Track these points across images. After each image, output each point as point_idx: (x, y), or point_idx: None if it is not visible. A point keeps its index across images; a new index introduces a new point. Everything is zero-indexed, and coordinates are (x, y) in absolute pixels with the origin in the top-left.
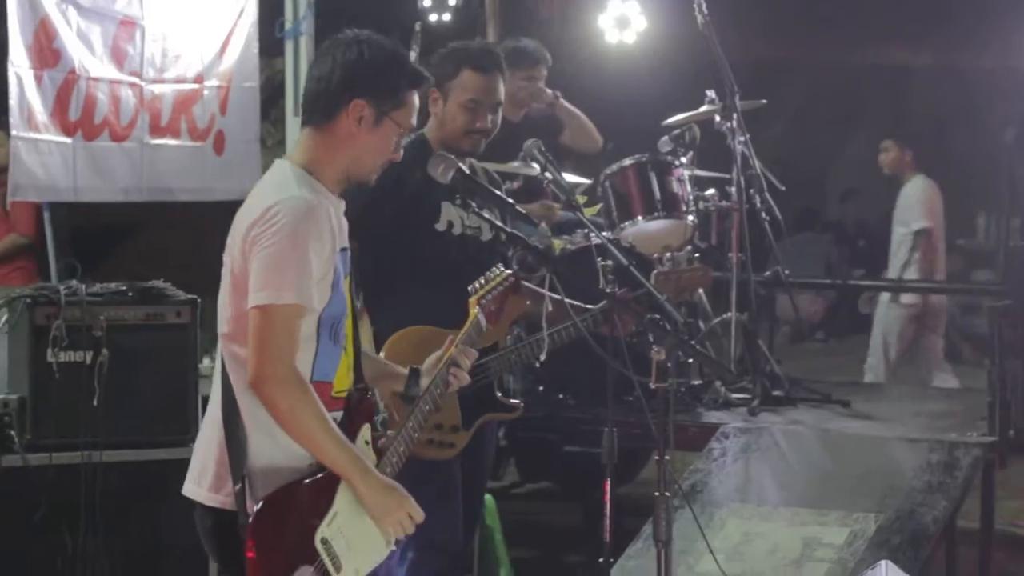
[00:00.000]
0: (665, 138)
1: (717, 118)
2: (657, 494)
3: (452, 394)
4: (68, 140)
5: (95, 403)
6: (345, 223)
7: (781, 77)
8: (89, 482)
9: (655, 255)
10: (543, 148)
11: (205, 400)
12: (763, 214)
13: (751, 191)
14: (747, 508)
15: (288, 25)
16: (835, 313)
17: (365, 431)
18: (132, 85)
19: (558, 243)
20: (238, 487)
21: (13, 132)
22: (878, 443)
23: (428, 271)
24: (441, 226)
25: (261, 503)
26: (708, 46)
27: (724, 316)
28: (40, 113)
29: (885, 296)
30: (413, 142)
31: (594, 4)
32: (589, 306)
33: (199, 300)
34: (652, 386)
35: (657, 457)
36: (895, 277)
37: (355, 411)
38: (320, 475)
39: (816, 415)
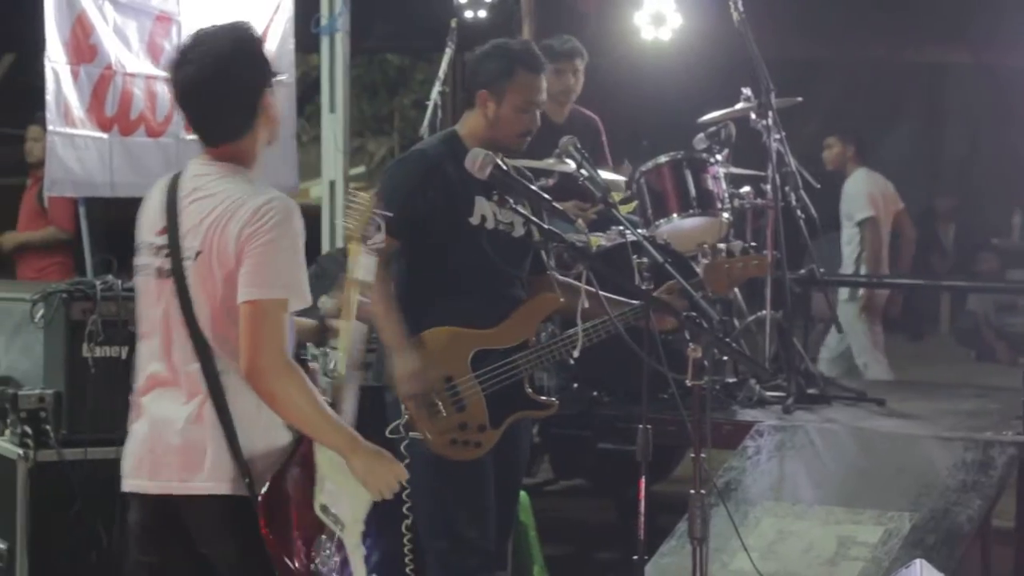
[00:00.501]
0: (700, 135)
1: (752, 116)
2: (692, 491)
3: (477, 393)
4: (104, 135)
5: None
6: None
7: (817, 75)
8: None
9: (692, 251)
10: (579, 145)
11: None
12: (798, 212)
13: (786, 189)
14: (781, 506)
15: (324, 21)
16: None
17: None
18: (168, 80)
19: (594, 240)
20: (247, 480)
21: (50, 127)
22: (913, 441)
23: (460, 266)
24: (475, 220)
25: (268, 484)
26: (744, 43)
27: (759, 314)
28: (77, 108)
29: (843, 294)
30: (444, 138)
31: (630, 1)
32: (626, 300)
33: None
34: (688, 383)
35: (692, 455)
36: (851, 272)
37: None
38: (298, 447)
39: (851, 413)
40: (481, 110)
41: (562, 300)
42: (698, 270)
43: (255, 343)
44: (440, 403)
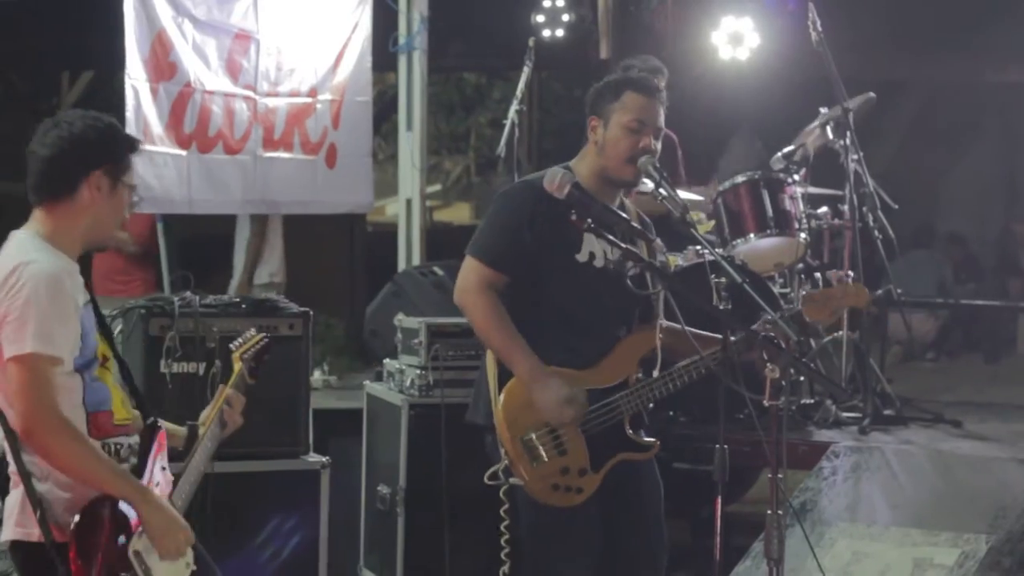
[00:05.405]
0: (778, 155)
1: (830, 136)
2: (769, 512)
3: (578, 435)
4: (183, 153)
5: None
6: (81, 281)
7: (895, 95)
8: (200, 492)
9: (769, 272)
10: (657, 164)
11: (316, 413)
12: (876, 232)
13: (864, 209)
14: (857, 527)
15: (402, 40)
16: (947, 333)
17: (161, 458)
18: (246, 98)
19: (673, 260)
20: (38, 513)
21: None
22: (990, 463)
23: (564, 302)
24: (582, 257)
25: (79, 515)
26: (822, 63)
27: (835, 335)
28: (156, 126)
29: None
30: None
31: (708, 20)
32: (711, 336)
33: (311, 313)
34: (765, 403)
35: (768, 475)
36: None
37: (148, 443)
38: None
39: (927, 435)
40: (593, 137)
41: (661, 337)
42: (781, 299)
43: (25, 400)
44: (541, 447)
